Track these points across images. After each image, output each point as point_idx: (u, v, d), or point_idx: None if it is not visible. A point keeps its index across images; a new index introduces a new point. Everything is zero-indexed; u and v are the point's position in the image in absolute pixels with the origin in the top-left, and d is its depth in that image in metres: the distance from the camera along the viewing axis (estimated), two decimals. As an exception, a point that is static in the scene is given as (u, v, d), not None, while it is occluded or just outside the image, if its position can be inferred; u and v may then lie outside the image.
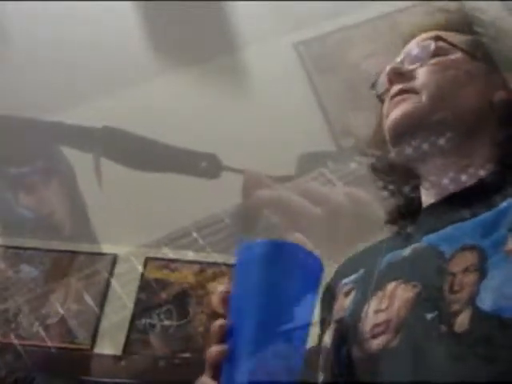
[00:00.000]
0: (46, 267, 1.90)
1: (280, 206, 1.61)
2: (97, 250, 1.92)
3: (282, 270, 0.77)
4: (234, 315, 0.77)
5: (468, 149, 0.87)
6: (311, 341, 0.82)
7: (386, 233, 0.94)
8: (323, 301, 0.93)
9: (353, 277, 0.90)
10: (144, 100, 1.92)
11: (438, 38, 0.92)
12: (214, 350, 0.77)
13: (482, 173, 0.85)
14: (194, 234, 1.68)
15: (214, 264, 1.83)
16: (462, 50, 0.91)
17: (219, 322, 0.78)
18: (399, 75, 0.92)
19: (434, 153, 0.87)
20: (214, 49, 2.01)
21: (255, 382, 0.74)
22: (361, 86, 1.66)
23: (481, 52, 0.92)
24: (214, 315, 0.79)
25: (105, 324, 1.79)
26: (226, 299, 0.79)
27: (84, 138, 1.90)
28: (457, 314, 0.72)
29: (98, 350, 1.77)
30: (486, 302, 0.71)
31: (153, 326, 1.79)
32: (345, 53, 2.06)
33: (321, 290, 0.85)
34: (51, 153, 1.97)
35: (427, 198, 0.90)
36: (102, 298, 1.82)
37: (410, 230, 0.89)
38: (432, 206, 0.89)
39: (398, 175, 0.94)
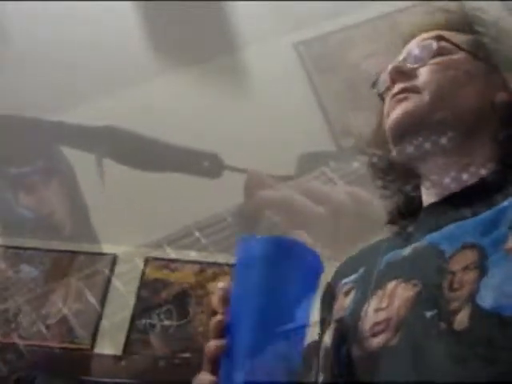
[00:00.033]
0: (46, 267, 1.90)
1: (282, 205, 1.61)
2: (97, 250, 1.93)
3: (282, 268, 0.77)
4: (234, 313, 0.77)
5: (469, 148, 0.87)
6: (311, 340, 0.82)
7: (386, 232, 0.94)
8: (323, 301, 0.93)
9: (353, 276, 0.90)
10: (144, 100, 1.93)
11: (440, 38, 0.92)
12: (213, 344, 0.77)
13: (483, 172, 0.85)
14: (197, 234, 1.68)
15: (214, 264, 1.84)
16: (464, 49, 0.91)
17: (218, 317, 0.78)
18: (401, 74, 0.91)
19: (435, 152, 0.87)
20: (214, 49, 2.01)
21: (255, 381, 0.74)
22: (361, 86, 1.67)
23: (482, 52, 0.92)
24: (214, 312, 0.79)
25: (105, 324, 1.79)
26: (225, 295, 0.79)
27: (85, 137, 1.90)
28: (456, 311, 0.72)
29: (98, 349, 1.77)
30: (486, 299, 0.71)
31: (153, 326, 1.79)
32: (345, 53, 2.06)
33: (321, 289, 0.85)
34: (51, 153, 1.97)
35: (428, 197, 0.90)
36: (102, 298, 1.82)
37: (410, 229, 0.89)
38: (433, 205, 0.88)
39: (399, 174, 0.94)
